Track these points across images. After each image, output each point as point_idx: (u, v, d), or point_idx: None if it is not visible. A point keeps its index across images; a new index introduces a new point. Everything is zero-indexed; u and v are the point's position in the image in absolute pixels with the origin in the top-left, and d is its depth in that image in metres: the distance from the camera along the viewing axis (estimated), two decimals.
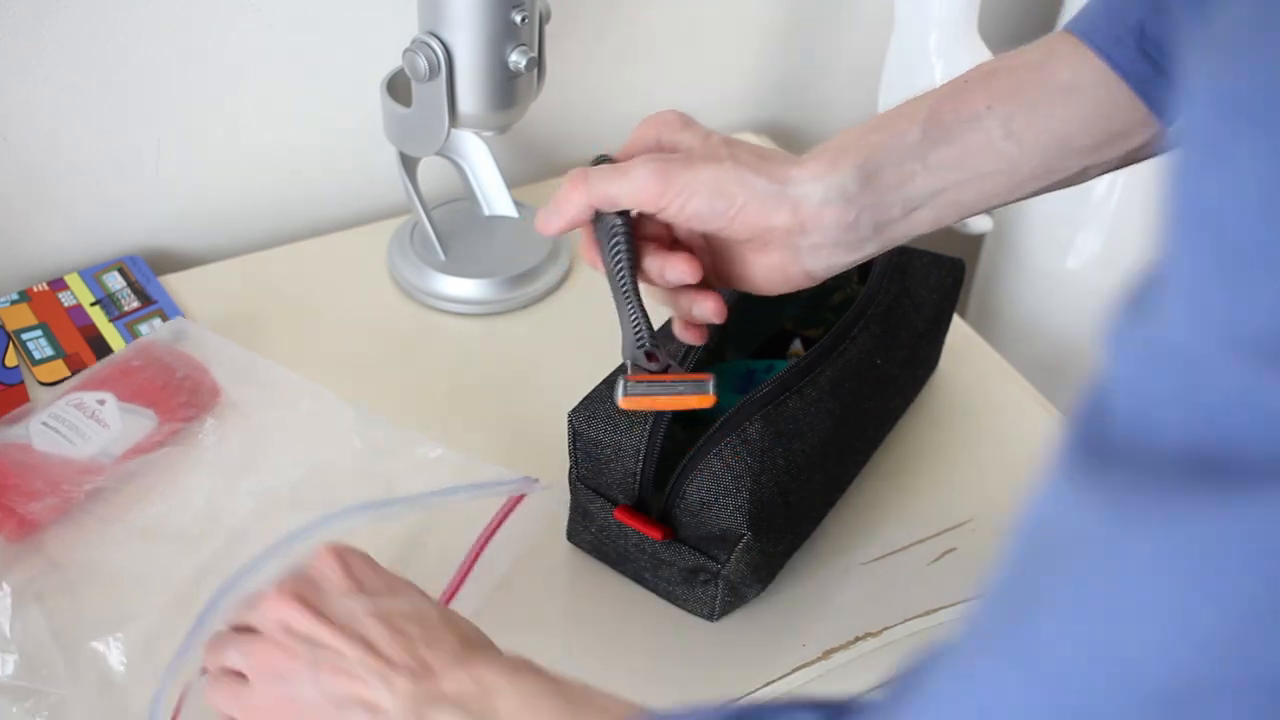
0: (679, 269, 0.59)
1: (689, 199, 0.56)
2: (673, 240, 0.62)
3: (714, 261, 0.62)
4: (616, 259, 0.60)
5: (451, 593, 0.66)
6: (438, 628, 0.53)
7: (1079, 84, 0.56)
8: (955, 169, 0.56)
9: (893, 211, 0.57)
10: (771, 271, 0.59)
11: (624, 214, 0.59)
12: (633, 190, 0.57)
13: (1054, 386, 1.07)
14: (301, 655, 0.53)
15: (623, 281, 0.60)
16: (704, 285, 0.61)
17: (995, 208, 0.59)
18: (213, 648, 0.56)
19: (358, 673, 0.51)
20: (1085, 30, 0.58)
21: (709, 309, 0.61)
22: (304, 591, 0.54)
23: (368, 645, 0.52)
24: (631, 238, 0.59)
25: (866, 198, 0.56)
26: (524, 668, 0.52)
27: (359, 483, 0.71)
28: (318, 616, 0.53)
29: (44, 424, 0.74)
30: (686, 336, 0.65)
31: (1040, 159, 0.57)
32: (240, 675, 0.55)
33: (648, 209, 0.57)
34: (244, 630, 0.56)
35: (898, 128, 0.57)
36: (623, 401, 0.62)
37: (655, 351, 0.61)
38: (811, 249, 0.57)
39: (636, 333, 0.61)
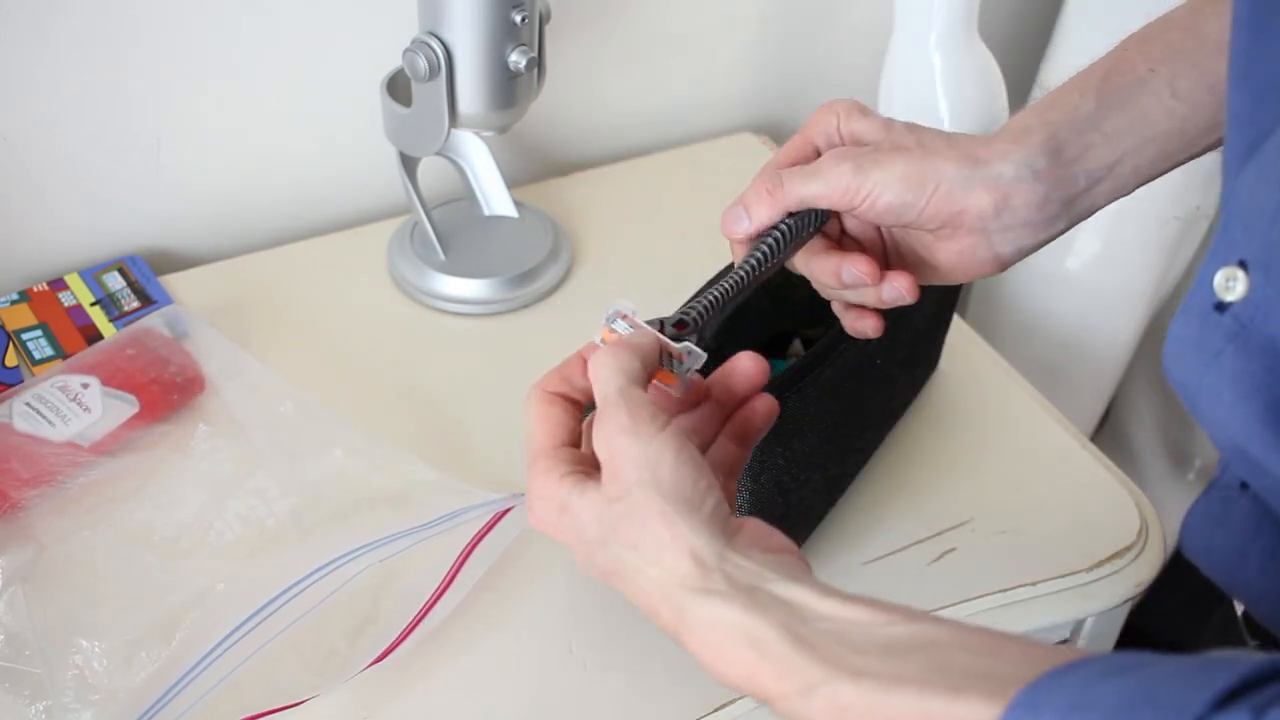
0: (858, 269, 0.57)
1: (882, 193, 0.55)
2: (841, 233, 0.61)
3: (892, 252, 0.61)
4: (765, 254, 0.56)
5: (431, 604, 0.66)
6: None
7: (1227, 34, 0.55)
8: (1131, 134, 0.56)
9: (1078, 185, 0.57)
10: (958, 258, 0.58)
11: (796, 216, 0.57)
12: (827, 191, 0.56)
13: (1054, 386, 1.07)
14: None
15: (743, 273, 0.56)
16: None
17: (1171, 169, 0.59)
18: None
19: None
20: None
21: (903, 286, 0.58)
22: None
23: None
24: (788, 239, 0.57)
25: (1054, 173, 0.56)
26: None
27: (347, 516, 0.71)
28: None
29: (26, 404, 0.74)
30: (861, 327, 0.62)
31: (1209, 113, 0.57)
32: None
33: (840, 208, 0.56)
34: None
35: (1071, 102, 0.57)
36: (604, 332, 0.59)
37: (688, 323, 0.55)
38: (1002, 231, 0.57)
39: (692, 304, 0.56)
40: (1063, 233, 0.58)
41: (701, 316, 0.54)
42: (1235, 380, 0.44)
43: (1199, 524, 0.58)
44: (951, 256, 0.58)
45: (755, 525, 0.47)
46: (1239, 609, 0.61)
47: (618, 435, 0.46)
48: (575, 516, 0.47)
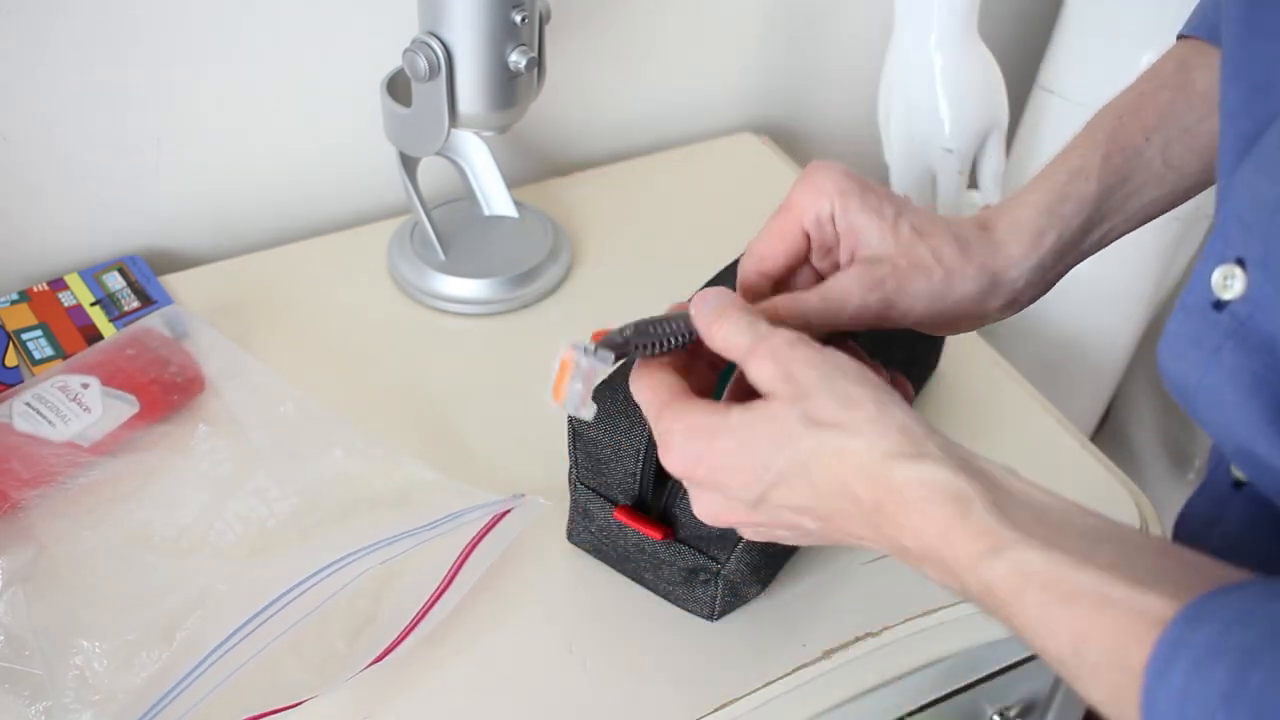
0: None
1: (906, 316, 0.56)
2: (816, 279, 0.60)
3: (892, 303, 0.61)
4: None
5: (431, 603, 0.66)
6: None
7: (1215, 88, 0.57)
8: (1123, 209, 0.59)
9: (1070, 262, 0.60)
10: (961, 329, 0.60)
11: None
12: (854, 322, 0.55)
13: (1054, 386, 1.07)
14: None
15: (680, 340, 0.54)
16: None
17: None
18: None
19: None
20: (1207, 31, 0.59)
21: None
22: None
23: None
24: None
25: (1058, 267, 0.59)
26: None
27: (347, 516, 0.71)
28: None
29: (26, 404, 0.74)
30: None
31: (1196, 175, 0.59)
32: None
33: (862, 330, 0.57)
34: None
35: (1079, 192, 0.58)
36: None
37: (625, 348, 0.54)
38: (1004, 314, 0.60)
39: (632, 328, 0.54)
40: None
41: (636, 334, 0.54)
42: (1235, 378, 0.44)
43: (1194, 524, 0.58)
44: (956, 330, 0.60)
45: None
46: None
47: (784, 348, 0.47)
48: (735, 435, 0.47)
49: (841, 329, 0.56)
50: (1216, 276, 0.44)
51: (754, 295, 0.57)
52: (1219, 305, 0.44)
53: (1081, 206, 0.58)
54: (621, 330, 0.53)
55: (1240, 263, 0.43)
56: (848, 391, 0.46)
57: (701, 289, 0.53)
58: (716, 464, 0.48)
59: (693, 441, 0.49)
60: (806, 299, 0.55)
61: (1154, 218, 0.60)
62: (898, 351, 0.76)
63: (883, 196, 0.56)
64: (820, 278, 0.58)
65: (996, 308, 0.58)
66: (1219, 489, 0.56)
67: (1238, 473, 0.54)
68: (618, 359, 0.53)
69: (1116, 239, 0.60)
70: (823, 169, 0.56)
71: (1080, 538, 0.42)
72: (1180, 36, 0.61)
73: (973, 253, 0.56)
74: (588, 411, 0.52)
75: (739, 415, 0.48)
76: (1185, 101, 0.58)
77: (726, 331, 0.50)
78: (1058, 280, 0.60)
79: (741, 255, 0.59)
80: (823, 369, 0.47)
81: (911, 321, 0.57)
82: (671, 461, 0.50)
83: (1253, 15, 0.44)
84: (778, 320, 0.53)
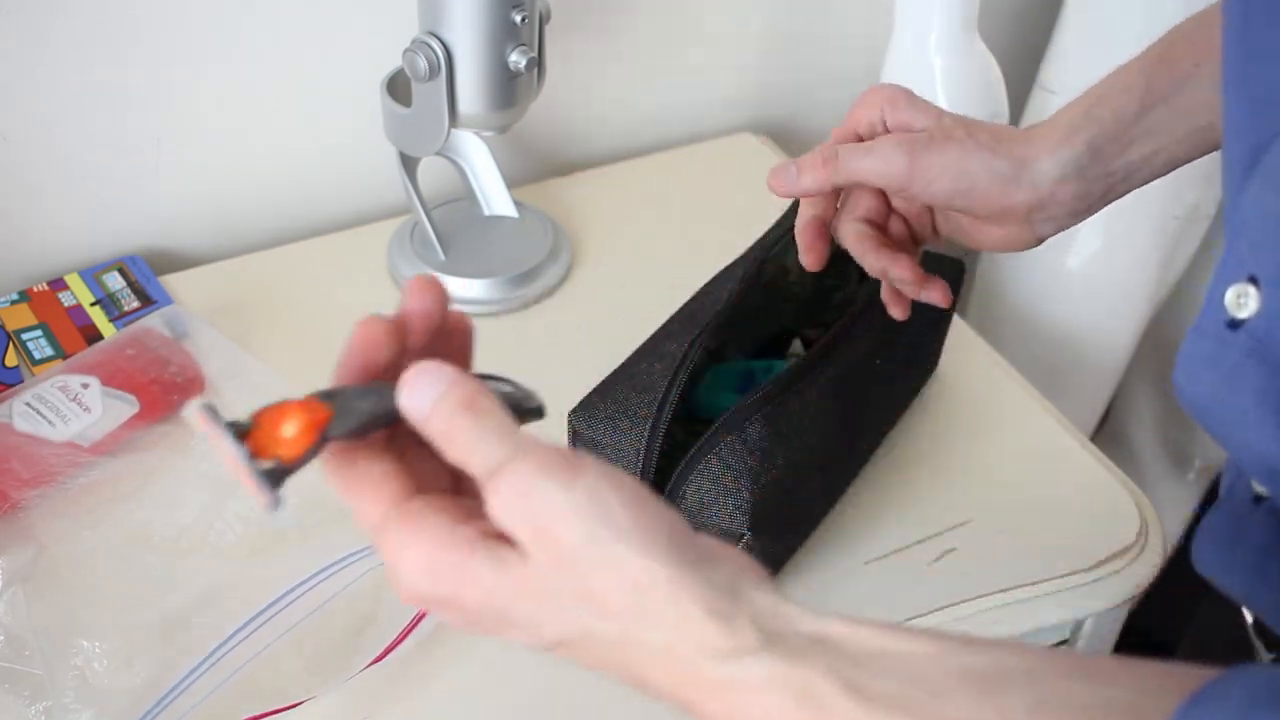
0: (903, 275, 0.62)
1: (933, 180, 0.58)
2: (886, 212, 0.63)
3: (940, 222, 0.64)
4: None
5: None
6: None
7: None
8: (1170, 130, 0.59)
9: (1116, 178, 0.59)
10: (1001, 240, 0.61)
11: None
12: (879, 169, 0.58)
13: (1054, 386, 1.07)
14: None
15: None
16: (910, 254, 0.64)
17: (1202, 157, 0.61)
18: None
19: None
20: None
21: (938, 297, 0.63)
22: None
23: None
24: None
25: (1095, 169, 0.59)
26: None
27: (347, 516, 0.71)
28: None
29: (26, 404, 0.74)
30: (892, 309, 0.67)
31: None
32: None
33: (891, 187, 0.59)
34: None
35: (1117, 99, 0.59)
36: None
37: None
38: (1045, 220, 0.60)
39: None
40: (1098, 210, 0.62)
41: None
42: (1259, 398, 0.43)
43: (1214, 541, 0.57)
44: (995, 238, 0.61)
45: (713, 540, 0.39)
46: (1249, 617, 0.61)
47: (537, 485, 0.37)
48: (486, 589, 0.37)
49: (872, 179, 0.58)
50: (1230, 296, 0.43)
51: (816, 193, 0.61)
52: (1234, 324, 0.43)
53: (1119, 115, 0.58)
54: (320, 394, 0.40)
55: (1253, 280, 0.42)
56: (627, 563, 0.36)
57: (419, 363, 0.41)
58: (472, 616, 0.39)
59: (439, 582, 0.38)
60: (842, 144, 0.59)
61: (1205, 152, 0.60)
62: (899, 351, 0.76)
63: (929, 104, 0.61)
64: (888, 208, 0.63)
65: (1024, 202, 0.58)
66: (1239, 505, 0.55)
67: (1259, 488, 0.53)
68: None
69: (1169, 163, 0.60)
70: (874, 89, 0.62)
71: (979, 693, 0.34)
72: None
73: (1004, 138, 0.59)
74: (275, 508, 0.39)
75: (490, 568, 0.37)
76: None
77: (467, 439, 0.38)
78: (1108, 190, 0.60)
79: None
80: (589, 525, 0.36)
81: (934, 192, 0.58)
82: (408, 597, 0.39)
83: (1250, 30, 0.44)
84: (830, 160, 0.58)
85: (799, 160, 0.60)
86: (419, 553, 0.38)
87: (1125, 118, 0.58)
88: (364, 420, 0.39)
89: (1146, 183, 0.61)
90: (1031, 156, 0.58)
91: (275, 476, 0.39)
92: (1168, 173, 0.61)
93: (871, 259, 0.63)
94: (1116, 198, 0.61)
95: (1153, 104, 0.58)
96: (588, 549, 0.36)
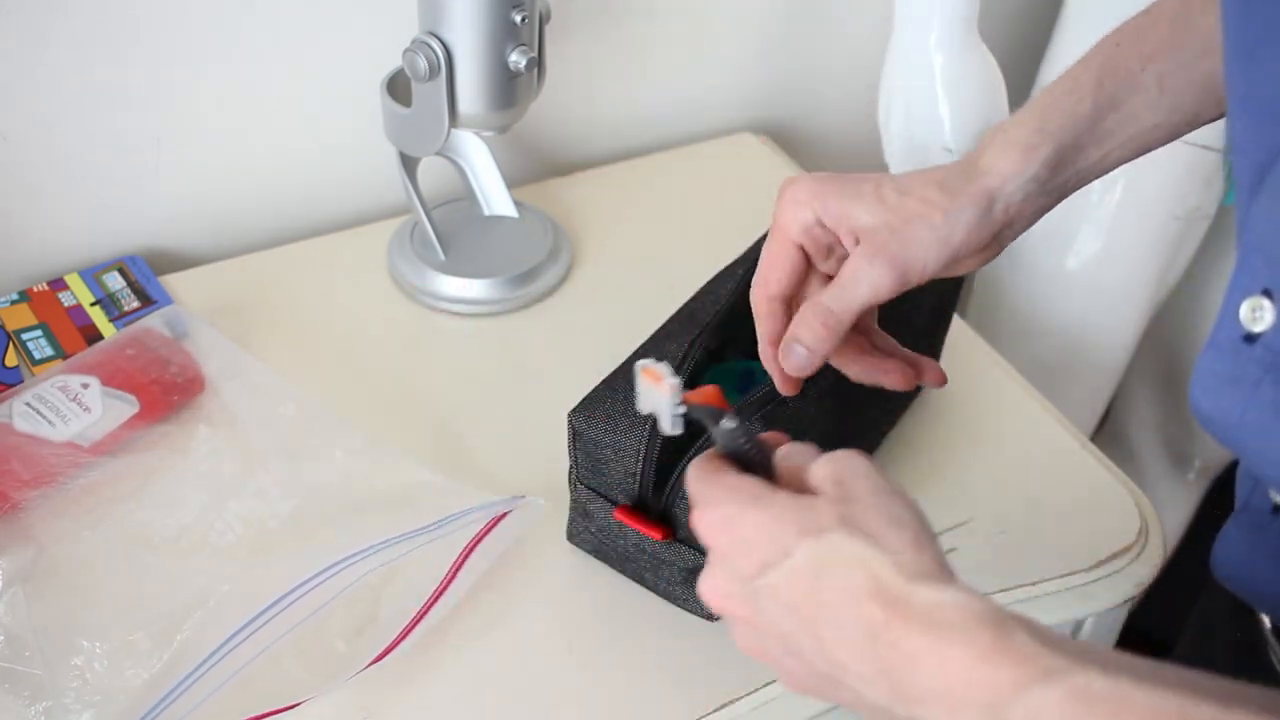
0: (895, 384, 0.63)
1: (925, 267, 0.57)
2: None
3: None
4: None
5: (431, 603, 0.66)
6: (844, 591, 0.43)
7: (1216, 28, 0.57)
8: (1119, 132, 0.59)
9: (1070, 183, 0.60)
10: (973, 265, 0.61)
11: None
12: (874, 294, 0.57)
13: (1054, 386, 1.07)
14: (768, 645, 0.47)
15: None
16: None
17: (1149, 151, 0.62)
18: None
19: (807, 673, 0.46)
20: None
21: (933, 382, 0.64)
22: (720, 585, 0.48)
23: (786, 645, 0.46)
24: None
25: (1054, 181, 0.59)
26: (987, 647, 0.40)
27: (348, 517, 0.71)
28: (745, 613, 0.47)
29: (26, 404, 0.74)
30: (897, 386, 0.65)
31: (1193, 107, 0.59)
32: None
33: (889, 298, 0.58)
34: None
35: (1069, 107, 0.59)
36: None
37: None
38: (1009, 235, 0.60)
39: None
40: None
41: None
42: (1277, 412, 0.43)
43: (1235, 550, 0.57)
44: (965, 268, 0.61)
45: None
46: (1267, 622, 0.61)
47: (845, 457, 0.47)
48: (770, 511, 0.45)
49: (870, 305, 0.57)
50: (1245, 310, 0.43)
51: (772, 325, 0.61)
52: (1250, 338, 0.43)
53: (1074, 123, 0.58)
54: (735, 432, 0.49)
55: (1267, 294, 0.42)
56: (894, 511, 0.44)
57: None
58: (739, 534, 0.46)
59: (730, 503, 0.47)
60: (823, 295, 0.57)
61: (1153, 147, 0.61)
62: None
63: (858, 179, 0.59)
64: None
65: (1002, 226, 0.59)
66: (1257, 516, 0.55)
67: (1277, 498, 0.53)
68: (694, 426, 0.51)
69: (1115, 164, 0.60)
70: (792, 183, 0.60)
71: (1133, 664, 0.38)
72: None
73: (960, 186, 0.58)
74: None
75: (784, 497, 0.46)
76: (1185, 36, 0.59)
77: (794, 447, 0.50)
78: (1061, 197, 0.60)
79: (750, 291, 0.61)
80: (877, 485, 0.46)
81: (932, 272, 0.57)
82: (704, 517, 0.48)
83: (1252, 48, 0.44)
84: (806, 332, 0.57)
85: (797, 336, 0.58)
86: (727, 483, 0.47)
87: (1079, 126, 0.58)
88: (743, 452, 0.49)
89: (1099, 177, 0.61)
90: (993, 187, 0.58)
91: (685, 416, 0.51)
92: (1115, 169, 0.61)
93: (855, 369, 0.62)
94: (1075, 190, 0.61)
95: (1105, 110, 0.58)
96: (869, 495, 0.45)
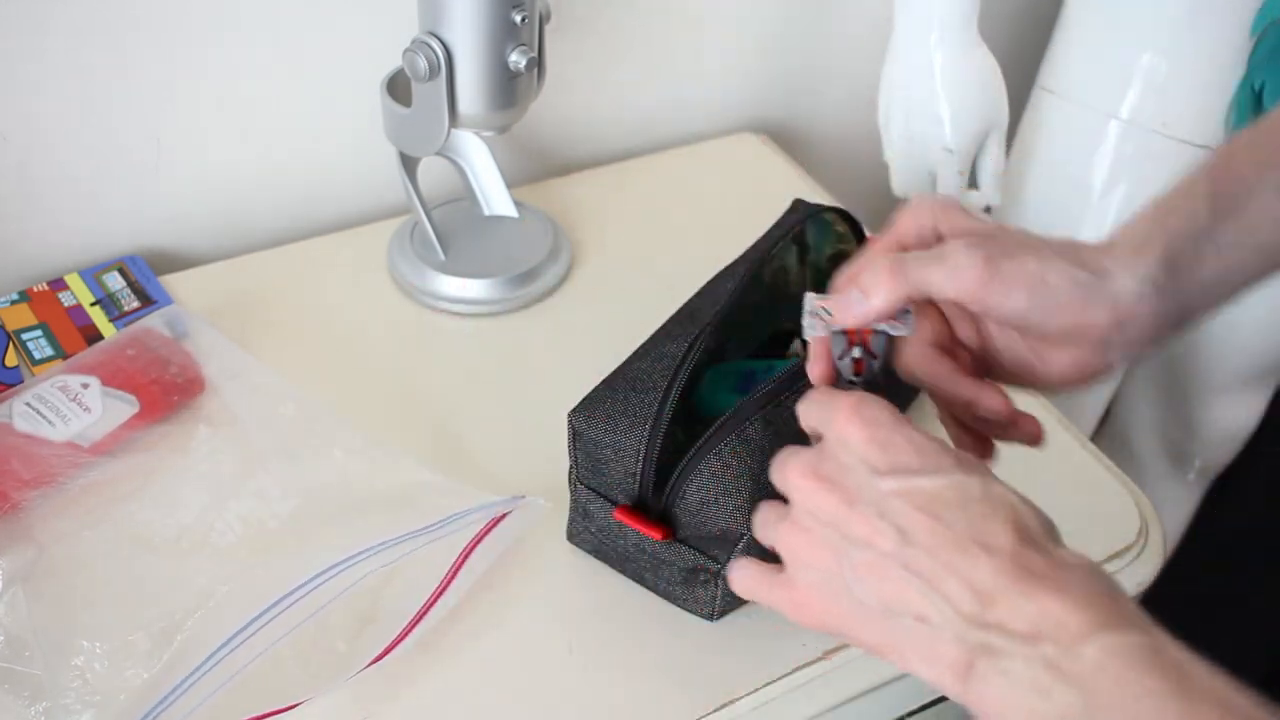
0: (995, 407, 0.56)
1: (1012, 289, 0.52)
2: (952, 337, 0.57)
3: (995, 360, 0.58)
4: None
5: (431, 603, 0.66)
6: (987, 519, 0.45)
7: None
8: (1240, 244, 0.54)
9: (1193, 297, 0.54)
10: (1072, 368, 0.55)
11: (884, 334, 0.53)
12: (954, 278, 0.52)
13: None
14: (831, 548, 0.47)
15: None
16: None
17: (1275, 272, 0.57)
18: (757, 524, 0.52)
19: (893, 574, 0.45)
20: None
21: (1033, 432, 0.58)
22: (825, 469, 0.48)
23: (904, 539, 0.45)
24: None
25: (1172, 285, 0.53)
26: (1104, 603, 0.43)
27: (348, 517, 0.71)
28: (844, 499, 0.47)
29: (26, 404, 0.74)
30: (976, 449, 0.60)
31: None
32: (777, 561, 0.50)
33: (965, 298, 0.52)
34: (780, 506, 0.50)
35: (1186, 208, 0.54)
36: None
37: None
38: (1123, 344, 0.54)
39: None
40: (1175, 335, 0.56)
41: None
42: None
43: None
44: (1065, 366, 0.55)
45: None
46: None
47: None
48: (922, 434, 0.48)
49: (947, 289, 0.53)
50: None
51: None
52: None
53: (1191, 225, 0.54)
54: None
55: None
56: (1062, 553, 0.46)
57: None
58: (879, 435, 0.48)
59: (878, 408, 0.49)
60: (907, 254, 0.54)
61: (1277, 267, 0.55)
62: None
63: (985, 216, 0.57)
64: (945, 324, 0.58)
65: (1102, 321, 0.53)
66: None
67: None
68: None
69: (1245, 281, 0.55)
70: (922, 197, 0.57)
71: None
72: None
73: (1077, 248, 0.54)
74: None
75: (921, 434, 0.48)
76: None
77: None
78: (1177, 327, 0.54)
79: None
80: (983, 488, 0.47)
81: (1011, 305, 0.52)
82: (833, 403, 0.49)
83: None
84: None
85: (858, 279, 0.54)
86: (881, 404, 0.50)
87: (1197, 228, 0.54)
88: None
89: (1222, 305, 0.55)
90: (1109, 270, 0.53)
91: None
92: (1243, 291, 0.56)
93: (949, 386, 0.56)
94: (1193, 322, 0.55)
95: (1221, 216, 0.54)
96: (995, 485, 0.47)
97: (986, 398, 0.56)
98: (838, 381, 0.54)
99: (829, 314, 0.53)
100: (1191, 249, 0.53)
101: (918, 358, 0.57)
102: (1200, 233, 0.54)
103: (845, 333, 0.54)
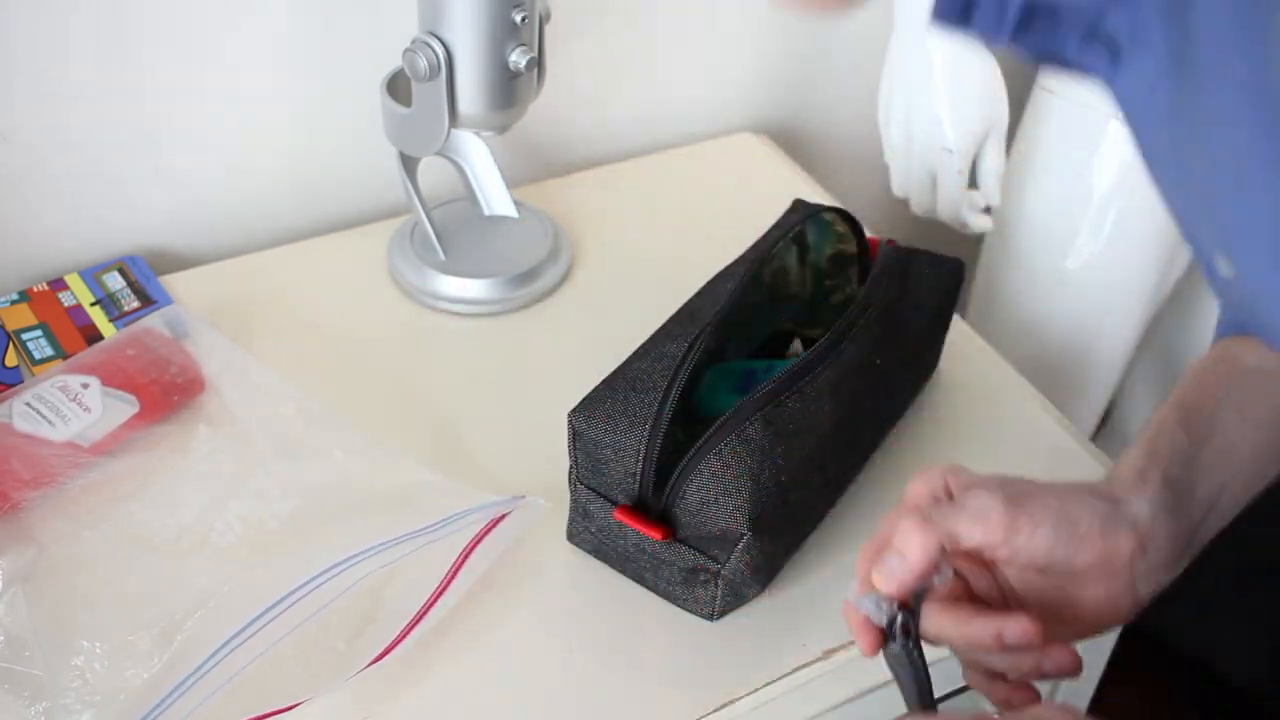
0: (1020, 629, 0.53)
1: (1038, 526, 0.52)
2: (971, 597, 0.57)
3: (1025, 592, 0.57)
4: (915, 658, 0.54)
5: (431, 603, 0.66)
6: None
7: (1264, 363, 0.58)
8: (1223, 466, 0.57)
9: (1196, 517, 0.56)
10: (1105, 602, 0.55)
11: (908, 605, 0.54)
12: (979, 521, 0.52)
13: (1054, 386, 1.07)
14: None
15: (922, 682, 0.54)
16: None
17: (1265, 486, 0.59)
18: None
19: None
20: (1237, 329, 0.61)
21: (1066, 661, 0.55)
22: None
23: None
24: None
25: (1179, 507, 0.56)
26: None
27: (348, 517, 0.71)
28: None
29: (26, 404, 0.74)
30: (1016, 697, 0.58)
31: None
32: None
33: (992, 540, 0.53)
34: None
35: (1169, 438, 0.57)
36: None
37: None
38: (1145, 572, 0.55)
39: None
40: (1192, 555, 0.57)
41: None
42: None
43: None
44: (1098, 601, 0.55)
45: None
46: None
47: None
48: None
49: (975, 535, 0.53)
50: None
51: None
52: None
53: (1177, 449, 0.56)
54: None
55: None
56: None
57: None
58: None
59: None
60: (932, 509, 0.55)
61: (1268, 481, 0.58)
62: (899, 351, 0.76)
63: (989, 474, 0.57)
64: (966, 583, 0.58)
65: (1126, 548, 0.54)
66: None
67: None
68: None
69: (1242, 498, 0.57)
70: (927, 469, 0.57)
71: None
72: (1215, 339, 0.62)
73: (1087, 486, 0.56)
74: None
75: None
76: (1239, 373, 0.59)
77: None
78: (1193, 545, 0.56)
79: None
80: None
81: (1037, 544, 0.53)
82: None
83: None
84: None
85: (889, 545, 0.53)
86: None
87: (1183, 456, 0.56)
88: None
89: (1222, 525, 0.57)
90: (1121, 498, 0.55)
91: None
92: (1243, 505, 0.58)
93: (975, 630, 0.54)
94: (1198, 547, 0.57)
95: (1199, 442, 0.57)
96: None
97: (1013, 621, 0.54)
98: (886, 645, 0.54)
99: (880, 598, 0.53)
100: (1185, 474, 0.56)
101: (937, 617, 0.55)
102: (1187, 458, 0.56)
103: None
